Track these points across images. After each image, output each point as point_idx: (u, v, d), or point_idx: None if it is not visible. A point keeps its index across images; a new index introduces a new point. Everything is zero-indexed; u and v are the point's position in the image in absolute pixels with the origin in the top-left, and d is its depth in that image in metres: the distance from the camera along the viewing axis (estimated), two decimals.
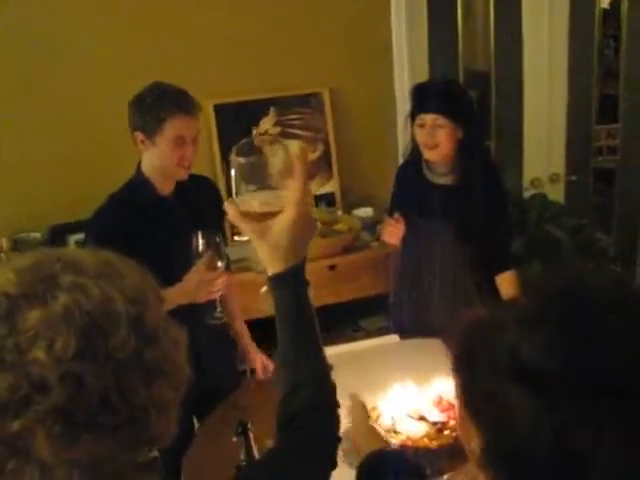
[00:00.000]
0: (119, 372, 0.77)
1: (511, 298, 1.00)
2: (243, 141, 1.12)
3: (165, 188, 2.48)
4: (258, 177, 1.11)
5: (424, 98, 2.69)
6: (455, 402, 1.02)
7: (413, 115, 2.72)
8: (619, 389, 0.82)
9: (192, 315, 2.36)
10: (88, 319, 0.77)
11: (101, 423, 0.77)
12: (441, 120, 2.63)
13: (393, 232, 2.73)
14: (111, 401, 0.77)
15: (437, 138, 2.64)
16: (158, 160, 2.40)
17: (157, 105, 2.30)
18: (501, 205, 2.83)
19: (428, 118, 2.64)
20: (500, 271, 2.73)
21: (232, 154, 1.10)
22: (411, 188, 2.83)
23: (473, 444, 0.93)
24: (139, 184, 2.46)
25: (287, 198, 1.08)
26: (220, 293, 2.33)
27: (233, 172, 1.11)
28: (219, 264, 2.24)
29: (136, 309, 0.82)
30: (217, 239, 2.24)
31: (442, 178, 2.76)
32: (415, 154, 2.82)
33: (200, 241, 2.22)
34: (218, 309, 2.38)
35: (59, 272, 0.80)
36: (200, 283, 2.24)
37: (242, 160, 1.09)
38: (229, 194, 1.08)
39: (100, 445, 0.77)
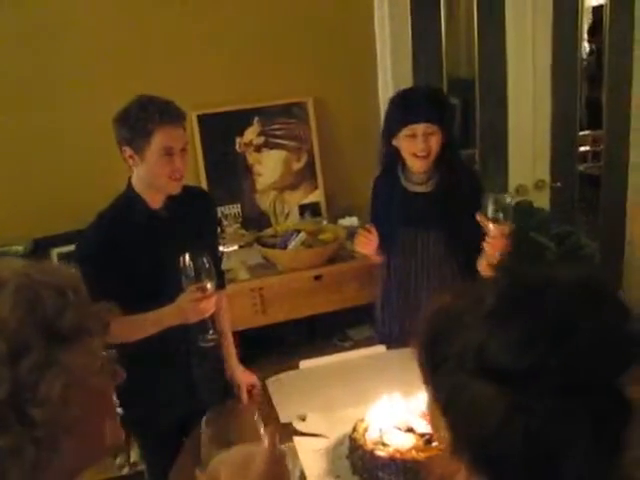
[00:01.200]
0: None
1: (473, 285, 1.00)
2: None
3: (157, 202, 2.43)
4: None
5: (413, 107, 2.62)
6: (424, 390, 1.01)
7: (396, 126, 2.66)
8: (588, 386, 0.83)
9: (185, 335, 2.35)
10: None
11: None
12: (431, 128, 2.59)
13: (364, 241, 2.69)
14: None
15: (430, 146, 2.60)
16: (148, 175, 2.34)
17: (143, 117, 2.25)
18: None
19: (420, 128, 2.59)
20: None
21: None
22: (390, 198, 2.80)
23: (442, 432, 0.94)
24: (129, 199, 2.41)
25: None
26: (210, 313, 2.30)
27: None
28: (208, 285, 2.22)
29: None
30: (204, 260, 2.21)
31: (421, 186, 2.74)
32: (390, 165, 2.80)
33: (187, 262, 2.19)
34: (210, 331, 2.34)
35: None
36: (189, 304, 2.22)
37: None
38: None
39: None
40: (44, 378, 0.85)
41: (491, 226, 2.39)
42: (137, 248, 2.31)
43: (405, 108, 2.64)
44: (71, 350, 0.88)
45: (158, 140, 2.27)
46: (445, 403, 0.92)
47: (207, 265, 2.21)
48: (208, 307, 2.24)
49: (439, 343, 0.93)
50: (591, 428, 0.83)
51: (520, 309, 0.87)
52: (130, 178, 2.42)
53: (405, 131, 2.62)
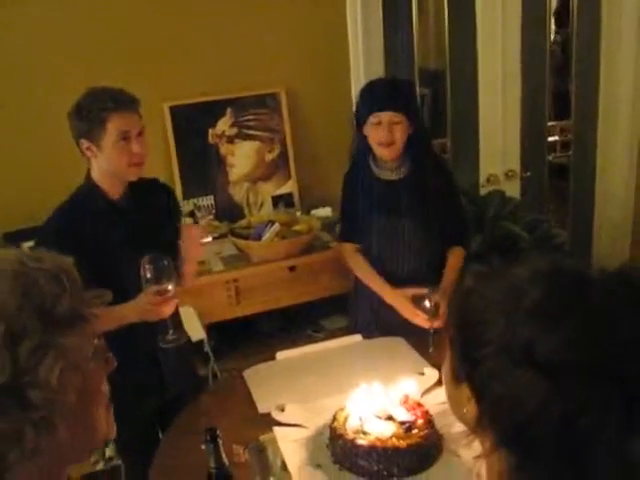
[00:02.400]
0: None
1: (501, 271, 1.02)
2: None
3: (116, 192, 2.42)
4: None
5: (378, 96, 2.69)
6: (444, 368, 1.06)
7: (364, 115, 2.71)
8: (624, 377, 0.87)
9: (151, 329, 2.34)
10: None
11: None
12: (397, 117, 2.65)
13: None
14: None
15: (394, 135, 2.66)
16: (108, 163, 2.34)
17: (96, 107, 2.26)
18: (453, 187, 2.91)
19: (385, 116, 2.65)
20: (453, 244, 2.82)
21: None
22: (363, 190, 2.83)
23: (465, 410, 0.98)
24: (88, 191, 2.41)
25: None
26: (170, 314, 2.29)
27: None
28: (169, 287, 2.20)
29: None
30: (165, 262, 2.19)
31: (392, 174, 2.79)
32: (361, 155, 2.84)
33: (147, 266, 2.17)
34: (170, 331, 2.33)
35: None
36: (148, 305, 2.21)
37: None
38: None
39: None
40: (43, 361, 0.86)
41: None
42: (96, 239, 2.30)
43: (372, 97, 2.71)
44: (67, 334, 0.90)
45: (113, 126, 2.27)
46: (481, 384, 0.95)
47: (168, 266, 2.20)
48: (167, 309, 2.24)
49: (475, 327, 0.96)
50: (624, 416, 0.86)
51: (568, 307, 0.91)
52: (89, 170, 2.42)
53: (371, 119, 2.68)
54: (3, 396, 0.84)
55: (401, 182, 2.76)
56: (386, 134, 2.66)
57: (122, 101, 2.29)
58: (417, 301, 2.47)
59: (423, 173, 2.76)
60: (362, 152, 2.82)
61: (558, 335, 0.89)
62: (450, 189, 2.87)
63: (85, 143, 2.31)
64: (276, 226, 3.44)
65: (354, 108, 2.84)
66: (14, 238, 3.32)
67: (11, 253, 0.96)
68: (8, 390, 0.84)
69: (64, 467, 1.00)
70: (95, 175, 2.40)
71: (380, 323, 2.89)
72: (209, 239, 3.64)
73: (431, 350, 2.48)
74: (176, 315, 2.41)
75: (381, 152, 2.73)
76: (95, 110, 2.26)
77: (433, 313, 2.47)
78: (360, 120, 2.74)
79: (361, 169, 2.84)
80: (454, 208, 2.87)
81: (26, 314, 0.87)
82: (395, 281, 2.82)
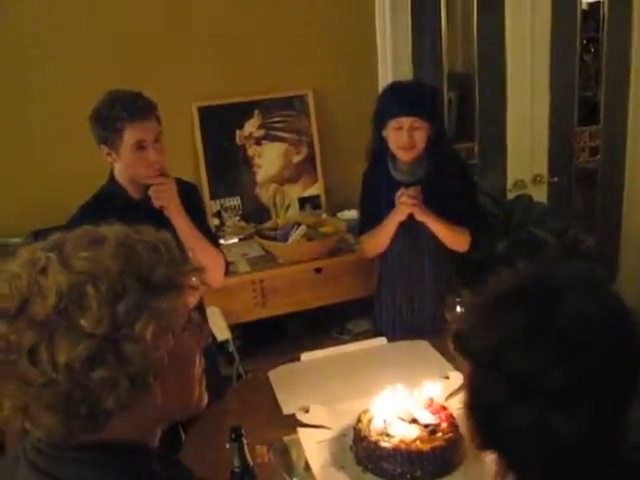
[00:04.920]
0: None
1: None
2: None
3: (139, 192, 2.46)
4: None
5: (400, 101, 2.70)
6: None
7: (385, 118, 2.73)
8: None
9: None
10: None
11: None
12: (418, 123, 2.67)
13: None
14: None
15: (414, 139, 2.69)
16: (127, 170, 2.41)
17: (112, 116, 2.30)
18: (470, 189, 2.91)
19: (406, 121, 2.67)
20: (459, 224, 2.80)
21: None
22: (380, 189, 2.84)
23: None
24: (111, 190, 2.46)
25: None
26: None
27: None
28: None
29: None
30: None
31: (411, 176, 2.79)
32: (380, 157, 2.85)
33: None
34: None
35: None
36: None
37: None
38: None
39: None
40: (138, 319, 0.95)
41: None
42: None
43: (394, 101, 2.72)
44: (161, 299, 0.99)
45: (128, 136, 2.32)
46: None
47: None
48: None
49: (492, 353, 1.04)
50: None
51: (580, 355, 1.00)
52: (112, 170, 2.47)
53: (392, 123, 2.70)
54: (102, 346, 0.93)
55: (418, 184, 2.75)
56: (407, 139, 2.68)
57: (136, 110, 2.32)
58: (448, 308, 2.46)
59: (440, 175, 2.77)
60: (380, 152, 2.84)
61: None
62: (466, 192, 2.86)
63: (105, 149, 2.38)
64: (302, 228, 3.45)
65: (375, 107, 2.83)
66: (43, 237, 3.35)
67: (116, 226, 1.09)
68: (107, 340, 0.93)
69: (156, 427, 1.09)
70: (117, 175, 2.45)
71: (402, 324, 2.91)
72: (235, 240, 3.67)
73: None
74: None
75: (400, 155, 2.76)
76: (111, 120, 2.31)
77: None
78: (381, 121, 2.75)
79: (379, 169, 2.86)
80: (466, 209, 2.84)
81: (126, 277, 0.96)
82: (414, 279, 2.83)
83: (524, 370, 0.99)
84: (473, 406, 1.07)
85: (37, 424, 0.95)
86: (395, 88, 2.80)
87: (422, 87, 2.83)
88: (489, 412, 1.03)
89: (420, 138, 2.69)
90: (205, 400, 1.14)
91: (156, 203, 2.44)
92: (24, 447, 1.02)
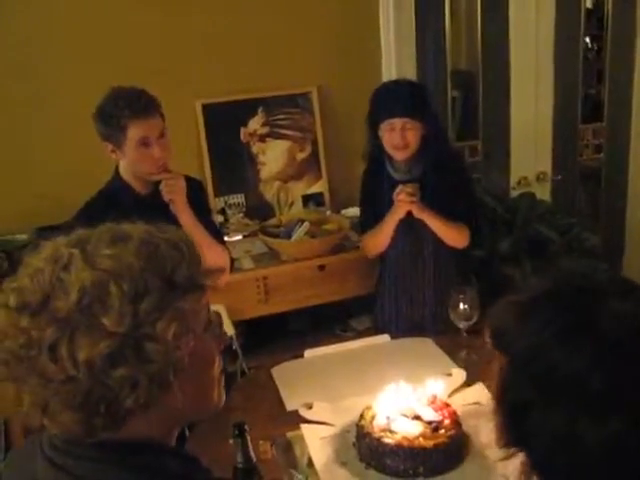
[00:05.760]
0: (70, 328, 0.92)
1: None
2: None
3: (144, 188, 2.48)
4: None
5: (391, 103, 2.73)
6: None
7: (377, 119, 2.76)
8: None
9: None
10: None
11: None
12: (410, 123, 2.70)
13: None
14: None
15: (407, 139, 2.71)
16: (131, 167, 2.44)
17: (116, 113, 2.32)
18: (465, 187, 2.92)
19: (398, 122, 2.70)
20: (457, 221, 2.81)
21: None
22: (381, 190, 2.85)
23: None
24: (116, 186, 2.47)
25: None
26: None
27: None
28: None
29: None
30: None
31: (408, 174, 2.82)
32: (376, 157, 2.87)
33: None
34: None
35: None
36: None
37: None
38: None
39: None
40: (160, 319, 0.95)
41: None
42: None
43: (385, 103, 2.75)
44: (184, 299, 0.98)
45: (132, 133, 2.34)
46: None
47: None
48: None
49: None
50: None
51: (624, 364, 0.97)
52: (117, 166, 2.49)
53: (384, 125, 2.73)
54: (123, 344, 0.92)
55: (416, 181, 2.77)
56: (400, 139, 2.71)
57: (140, 107, 2.34)
58: (453, 305, 2.47)
59: (437, 173, 2.79)
60: (377, 152, 2.86)
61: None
62: (463, 188, 2.88)
63: (109, 146, 2.40)
64: (306, 225, 3.45)
65: (369, 106, 2.85)
66: (48, 233, 3.35)
67: (140, 225, 1.08)
68: (128, 339, 0.92)
69: (175, 427, 1.09)
70: (122, 172, 2.46)
71: (402, 322, 2.94)
72: (239, 237, 3.68)
73: (464, 353, 2.48)
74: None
75: (395, 154, 2.78)
76: (114, 117, 2.32)
77: (467, 316, 2.45)
78: (374, 122, 2.79)
79: (378, 168, 2.89)
80: (464, 206, 2.85)
81: (148, 275, 0.96)
82: (415, 278, 2.85)
83: (563, 371, 0.97)
84: (503, 402, 1.05)
85: (56, 421, 0.95)
86: (386, 90, 2.83)
87: (413, 87, 2.85)
88: (518, 410, 1.00)
89: (413, 138, 2.72)
90: (223, 400, 1.14)
91: (166, 197, 2.45)
92: (40, 441, 1.02)
